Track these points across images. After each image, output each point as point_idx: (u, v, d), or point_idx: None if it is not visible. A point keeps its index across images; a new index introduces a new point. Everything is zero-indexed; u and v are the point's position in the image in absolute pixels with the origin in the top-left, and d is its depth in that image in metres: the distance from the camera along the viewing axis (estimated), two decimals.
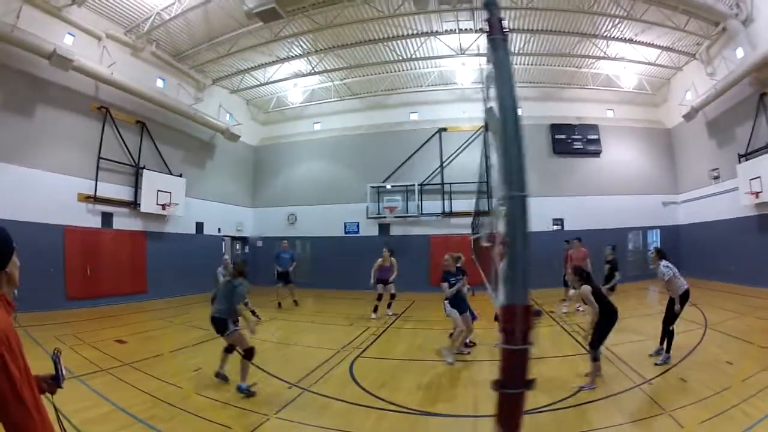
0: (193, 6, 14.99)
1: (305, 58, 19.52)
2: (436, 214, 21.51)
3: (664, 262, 8.20)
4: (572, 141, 21.38)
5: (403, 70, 21.33)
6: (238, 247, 25.19)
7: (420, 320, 13.58)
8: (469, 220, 19.57)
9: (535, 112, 20.38)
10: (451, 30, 17.30)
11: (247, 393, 6.49)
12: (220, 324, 6.99)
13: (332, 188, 23.34)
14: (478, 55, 18.78)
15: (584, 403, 5.93)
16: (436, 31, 17.50)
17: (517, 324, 2.54)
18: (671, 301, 7.96)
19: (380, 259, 14.37)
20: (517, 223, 2.63)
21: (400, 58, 19.52)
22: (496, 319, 10.05)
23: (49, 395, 2.36)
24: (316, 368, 8.02)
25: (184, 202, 19.08)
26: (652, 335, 9.59)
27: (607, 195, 20.78)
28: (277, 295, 16.16)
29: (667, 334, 7.83)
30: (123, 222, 16.96)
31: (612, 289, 11.49)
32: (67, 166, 14.94)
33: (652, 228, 21.85)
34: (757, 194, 15.80)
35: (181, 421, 5.65)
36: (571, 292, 12.18)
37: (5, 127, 13.13)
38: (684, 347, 8.28)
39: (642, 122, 22.55)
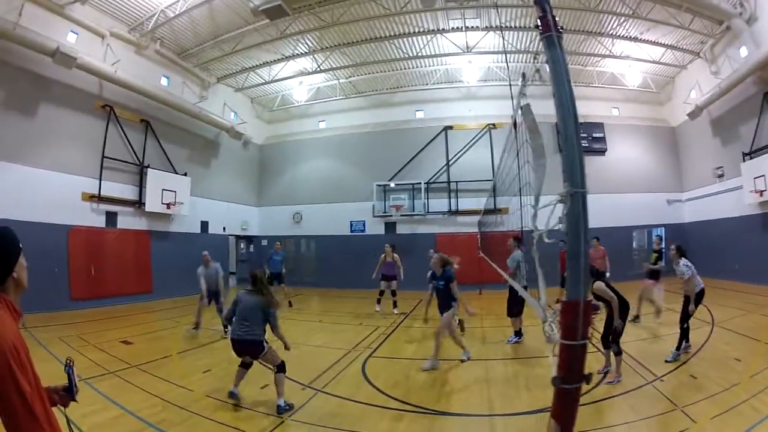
0: (197, 3, 14.93)
1: (311, 56, 19.46)
2: (443, 213, 21.51)
3: (683, 260, 8.15)
4: None
5: (409, 68, 21.33)
6: (242, 246, 25.18)
7: (429, 318, 13.49)
8: (476, 218, 19.56)
9: (540, 110, 20.02)
10: (457, 27, 17.25)
11: (289, 408, 6.03)
12: (257, 346, 6.33)
13: (338, 187, 23.29)
14: (485, 53, 18.80)
15: (598, 401, 5.91)
16: (443, 29, 17.42)
17: (578, 319, 2.50)
18: (687, 299, 7.97)
19: (383, 255, 14.61)
20: (578, 220, 2.62)
21: (406, 55, 19.49)
22: (508, 314, 10.10)
23: (61, 407, 2.27)
24: (328, 369, 7.95)
25: (189, 201, 19.02)
26: (661, 333, 9.64)
27: (612, 193, 20.70)
28: (285, 294, 16.02)
29: (682, 331, 7.92)
30: (127, 221, 16.89)
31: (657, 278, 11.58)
32: (71, 165, 14.86)
33: (656, 226, 21.79)
34: (761, 192, 15.83)
35: (192, 425, 5.56)
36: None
37: (9, 125, 13.05)
38: (693, 345, 8.37)
39: (647, 120, 22.54)
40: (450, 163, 21.94)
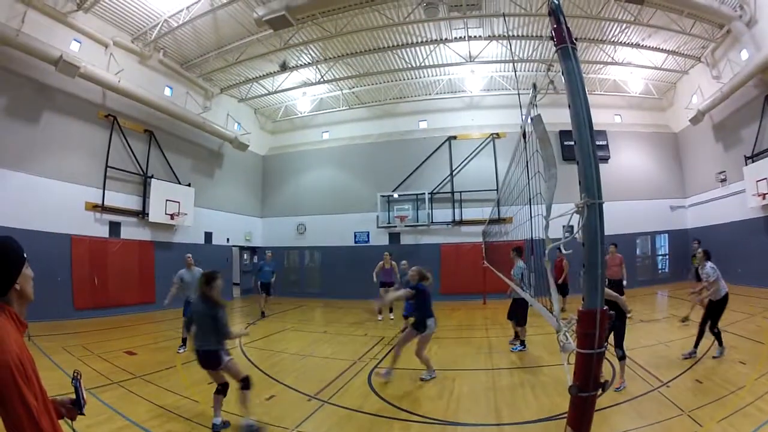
0: (201, 13, 14.95)
1: (314, 67, 19.52)
2: (447, 223, 21.45)
3: (710, 263, 8.34)
4: None
5: (413, 78, 21.39)
6: (246, 256, 25.17)
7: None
8: (479, 228, 19.52)
9: (544, 119, 20.06)
10: (460, 37, 17.29)
11: (256, 430, 5.63)
12: (212, 358, 5.73)
13: (342, 198, 23.29)
14: (488, 62, 18.85)
15: (605, 408, 5.84)
16: (446, 39, 17.48)
17: (595, 328, 2.49)
18: (711, 303, 8.14)
19: (381, 262, 15.16)
20: (595, 230, 2.60)
21: (410, 66, 19.54)
22: (509, 317, 10.13)
23: (68, 420, 2.23)
24: (334, 380, 7.89)
25: (192, 212, 19.04)
26: (665, 339, 9.65)
27: (615, 201, 20.59)
28: (264, 303, 16.54)
29: (715, 335, 8.07)
30: (131, 231, 16.87)
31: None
32: (75, 175, 14.88)
33: (660, 233, 21.78)
34: (764, 195, 15.83)
35: None
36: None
37: (12, 134, 13.08)
38: (698, 350, 8.38)
39: (649, 127, 22.53)
40: (454, 173, 21.91)
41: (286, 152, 25.44)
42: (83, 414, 2.26)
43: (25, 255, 2.00)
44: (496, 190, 19.27)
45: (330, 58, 18.72)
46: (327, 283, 22.73)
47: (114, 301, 15.54)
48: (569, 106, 2.89)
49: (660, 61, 19.33)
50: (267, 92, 21.90)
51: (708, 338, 8.20)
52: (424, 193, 21.54)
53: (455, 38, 17.45)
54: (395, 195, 22.02)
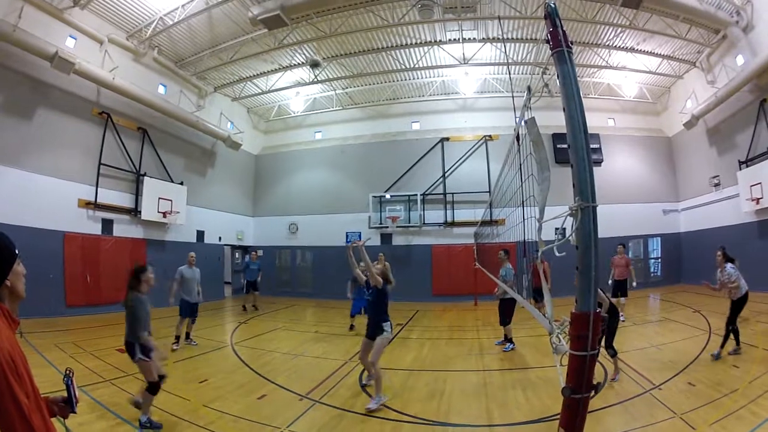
0: (196, 12, 14.93)
1: (308, 67, 19.45)
2: (439, 224, 21.46)
3: (730, 265, 8.63)
4: None
5: (406, 80, 21.41)
6: (237, 255, 25.13)
7: (425, 329, 13.48)
8: (471, 229, 19.56)
9: (537, 121, 20.08)
10: (454, 39, 17.30)
11: (151, 426, 5.61)
12: (128, 348, 5.87)
13: (334, 198, 23.26)
14: (482, 64, 18.88)
15: (597, 410, 5.85)
16: (440, 41, 17.52)
17: (588, 331, 2.53)
18: (733, 303, 8.46)
19: (375, 262, 14.76)
20: (589, 233, 2.62)
21: (403, 67, 19.57)
22: (501, 323, 10.19)
23: (60, 418, 2.22)
24: (325, 379, 7.89)
25: (185, 210, 18.97)
26: (657, 342, 9.72)
27: (608, 204, 20.67)
28: (245, 300, 17.47)
29: (733, 332, 8.30)
30: (123, 229, 16.80)
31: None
32: (68, 172, 14.80)
33: (652, 236, 21.89)
34: (757, 200, 15.90)
35: None
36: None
37: (6, 129, 13.00)
38: (690, 352, 8.55)
39: (643, 131, 22.63)
40: (446, 174, 21.94)
41: (278, 152, 25.39)
42: (75, 412, 2.24)
43: (17, 251, 1.97)
44: (489, 192, 19.30)
45: (324, 58, 18.68)
46: (318, 283, 22.67)
47: (106, 298, 15.39)
48: (564, 110, 2.91)
49: (655, 65, 19.42)
50: (260, 91, 21.87)
51: (695, 340, 8.24)
52: (416, 194, 21.53)
53: (449, 40, 17.47)
54: (387, 196, 22.01)
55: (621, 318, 13.57)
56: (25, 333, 10.08)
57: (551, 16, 3.01)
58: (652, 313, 14.44)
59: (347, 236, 22.39)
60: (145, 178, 17.37)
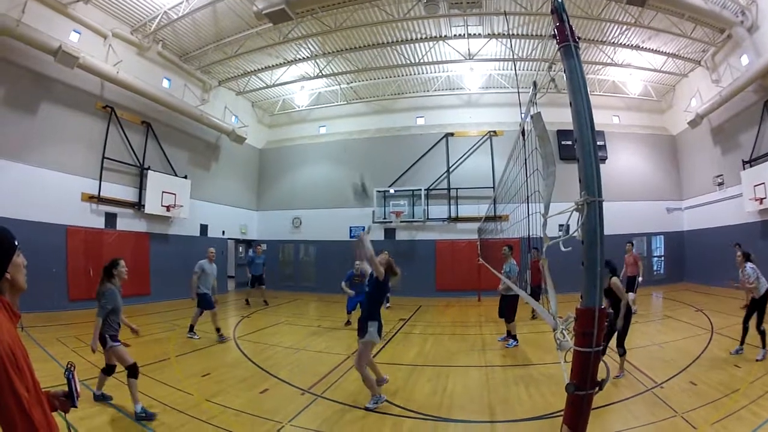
0: (200, 6, 14.92)
1: (313, 61, 19.47)
2: (443, 219, 21.47)
3: (750, 264, 8.47)
4: None
5: (411, 75, 21.42)
6: (241, 249, 25.14)
7: (428, 324, 13.49)
8: (475, 225, 19.54)
9: (542, 118, 20.08)
10: (460, 35, 17.29)
11: (146, 416, 5.70)
12: (100, 338, 6.30)
13: (338, 192, 23.17)
14: (487, 60, 18.84)
15: (599, 407, 5.82)
16: (445, 36, 17.47)
17: (593, 327, 2.54)
18: (754, 301, 8.32)
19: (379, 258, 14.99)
20: (595, 228, 2.61)
21: (408, 62, 19.54)
22: (500, 315, 10.32)
23: (62, 413, 2.22)
24: (327, 374, 7.90)
25: (188, 204, 18.99)
26: (659, 341, 9.70)
27: (611, 201, 20.56)
28: (249, 294, 17.59)
29: (760, 334, 8.14)
30: (127, 223, 16.83)
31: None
32: (72, 166, 14.81)
33: (656, 234, 21.87)
34: (761, 200, 15.86)
35: (191, 429, 5.51)
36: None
37: (10, 124, 13.02)
38: (692, 352, 8.51)
39: (647, 129, 22.58)
40: (450, 169, 21.92)
41: (283, 146, 25.40)
42: (76, 406, 2.23)
43: (16, 243, 1.96)
44: (493, 187, 19.27)
45: (329, 52, 18.65)
46: (322, 278, 22.61)
47: None
48: (570, 104, 2.90)
49: (659, 63, 19.35)
50: (265, 85, 21.84)
51: (697, 339, 8.22)
52: (420, 189, 21.53)
53: (455, 35, 17.45)
54: (391, 191, 22.01)
55: (633, 310, 13.73)
56: (27, 327, 10.13)
57: (558, 11, 3.00)
58: (654, 311, 14.42)
59: (351, 231, 22.39)
60: (149, 171, 17.38)
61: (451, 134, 22.25)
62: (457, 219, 21.32)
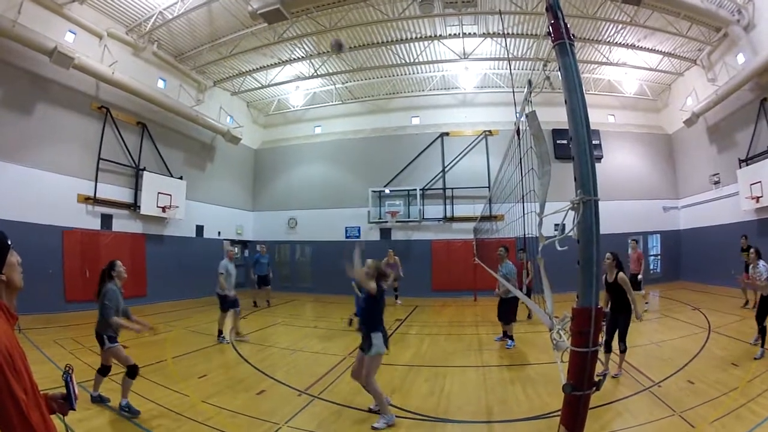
0: (195, 6, 14.86)
1: (307, 61, 19.42)
2: (438, 219, 21.44)
3: (762, 262, 8.44)
4: None
5: (406, 74, 21.38)
6: (237, 250, 25.08)
7: (425, 325, 13.48)
8: (471, 225, 19.54)
9: (537, 117, 20.10)
10: (455, 34, 17.27)
11: (129, 411, 5.85)
12: (97, 338, 6.41)
13: (333, 192, 23.20)
14: (482, 59, 18.84)
15: (597, 407, 5.84)
16: (440, 35, 17.47)
17: (590, 326, 2.55)
18: (763, 298, 8.20)
19: (386, 258, 15.64)
20: (590, 227, 2.61)
21: (403, 61, 19.49)
22: (499, 318, 10.25)
23: (60, 415, 2.19)
24: (324, 375, 7.90)
25: (184, 205, 18.93)
26: (657, 339, 9.74)
27: (607, 200, 20.60)
28: (253, 295, 17.32)
29: (760, 332, 8.14)
30: (123, 224, 16.75)
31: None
32: (67, 166, 14.75)
33: (652, 233, 21.89)
34: (757, 199, 15.88)
35: (188, 431, 5.52)
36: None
37: (5, 125, 12.94)
38: (690, 351, 8.51)
39: (643, 127, 22.59)
40: (446, 169, 21.91)
41: (278, 146, 25.35)
42: (74, 409, 2.22)
43: (9, 242, 1.94)
44: (488, 187, 19.28)
45: (324, 52, 18.59)
46: (318, 278, 22.61)
47: None
48: (566, 102, 2.89)
49: (655, 62, 19.37)
50: (260, 86, 21.79)
51: (694, 338, 8.23)
52: (415, 189, 21.51)
53: (450, 35, 17.43)
54: (387, 190, 21.97)
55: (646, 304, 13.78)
56: (24, 329, 10.08)
57: (553, 9, 2.99)
58: (651, 310, 14.43)
59: (346, 231, 22.38)
60: (145, 172, 17.32)
61: (447, 134, 22.23)
62: (452, 219, 21.29)
